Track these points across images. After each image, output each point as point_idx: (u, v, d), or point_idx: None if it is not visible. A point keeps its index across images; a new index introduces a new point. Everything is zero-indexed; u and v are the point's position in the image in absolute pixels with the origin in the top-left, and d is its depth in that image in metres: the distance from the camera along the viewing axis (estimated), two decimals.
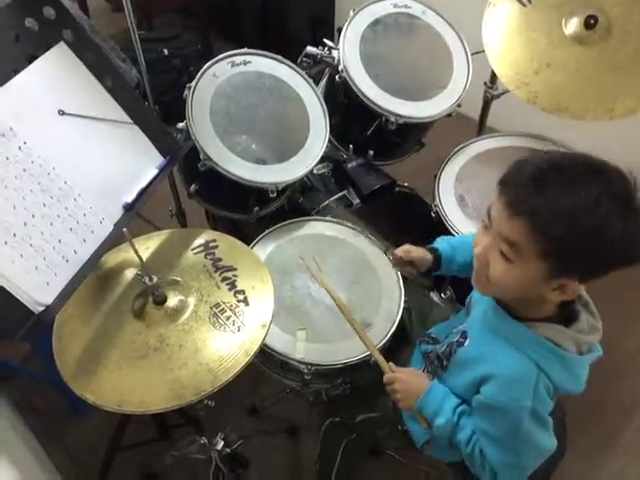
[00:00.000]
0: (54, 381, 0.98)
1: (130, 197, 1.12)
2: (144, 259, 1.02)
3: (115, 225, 1.09)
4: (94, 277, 1.09)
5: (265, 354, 1.27)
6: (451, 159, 1.65)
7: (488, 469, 0.94)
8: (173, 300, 1.03)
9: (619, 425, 1.80)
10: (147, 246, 1.13)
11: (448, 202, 1.54)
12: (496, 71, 1.58)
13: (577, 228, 0.75)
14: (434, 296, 1.59)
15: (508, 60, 1.57)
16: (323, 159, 1.75)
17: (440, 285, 1.62)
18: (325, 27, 2.85)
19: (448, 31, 1.61)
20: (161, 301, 1.02)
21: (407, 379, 1.03)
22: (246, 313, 1.01)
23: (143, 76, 1.56)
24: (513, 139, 1.69)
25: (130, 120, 1.15)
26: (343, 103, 1.58)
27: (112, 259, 1.13)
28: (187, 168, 1.55)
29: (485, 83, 1.84)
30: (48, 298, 0.95)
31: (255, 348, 0.96)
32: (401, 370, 1.06)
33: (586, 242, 0.75)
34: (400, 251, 1.17)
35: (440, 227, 1.54)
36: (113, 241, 1.09)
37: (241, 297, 1.04)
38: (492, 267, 0.85)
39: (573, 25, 1.53)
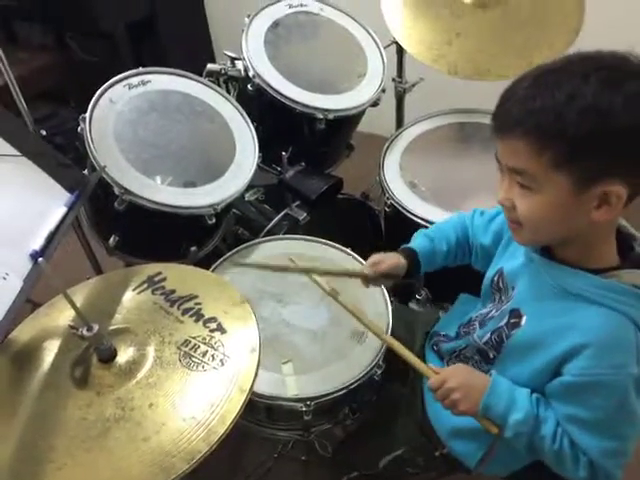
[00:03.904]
0: None
1: (37, 243, 0.87)
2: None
3: (24, 280, 0.83)
4: (7, 357, 0.81)
5: (248, 404, 1.02)
6: (387, 153, 1.54)
7: (584, 463, 0.75)
8: (125, 352, 0.78)
9: None
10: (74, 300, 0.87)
11: (400, 192, 1.41)
12: (409, 51, 1.53)
13: (570, 115, 0.63)
14: (413, 305, 1.43)
15: (417, 39, 1.53)
16: (252, 186, 1.59)
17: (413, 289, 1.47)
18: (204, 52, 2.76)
19: (350, 22, 1.55)
20: (109, 357, 0.76)
21: (462, 374, 0.83)
22: (226, 342, 0.78)
23: None
24: (440, 119, 1.62)
25: (18, 153, 0.92)
26: (261, 116, 1.43)
27: (28, 330, 0.86)
28: (101, 220, 1.30)
29: (393, 79, 1.80)
30: None
31: (250, 380, 0.73)
32: (446, 368, 0.86)
33: (589, 126, 0.63)
34: (367, 268, 1.00)
35: (397, 224, 1.41)
36: (23, 306, 0.83)
37: (213, 325, 0.81)
38: (518, 206, 0.72)
39: None
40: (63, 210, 0.94)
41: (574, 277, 0.74)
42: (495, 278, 0.92)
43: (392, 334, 1.10)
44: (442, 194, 1.39)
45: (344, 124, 1.50)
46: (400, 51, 1.68)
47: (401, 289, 1.43)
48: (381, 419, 1.11)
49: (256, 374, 0.75)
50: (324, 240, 1.29)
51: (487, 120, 1.53)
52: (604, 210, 0.68)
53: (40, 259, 0.75)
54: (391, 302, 1.16)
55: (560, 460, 0.77)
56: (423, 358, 1.07)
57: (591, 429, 0.73)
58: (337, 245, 1.28)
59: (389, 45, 1.63)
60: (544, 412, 0.77)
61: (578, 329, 0.72)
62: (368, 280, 1.01)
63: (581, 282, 0.73)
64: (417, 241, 1.05)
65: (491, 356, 0.87)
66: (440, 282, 1.38)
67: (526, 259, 0.83)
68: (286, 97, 1.35)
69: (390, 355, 1.07)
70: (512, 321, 0.82)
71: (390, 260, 1.00)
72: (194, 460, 0.65)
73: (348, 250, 1.27)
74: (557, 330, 0.75)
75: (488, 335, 0.87)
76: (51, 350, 0.82)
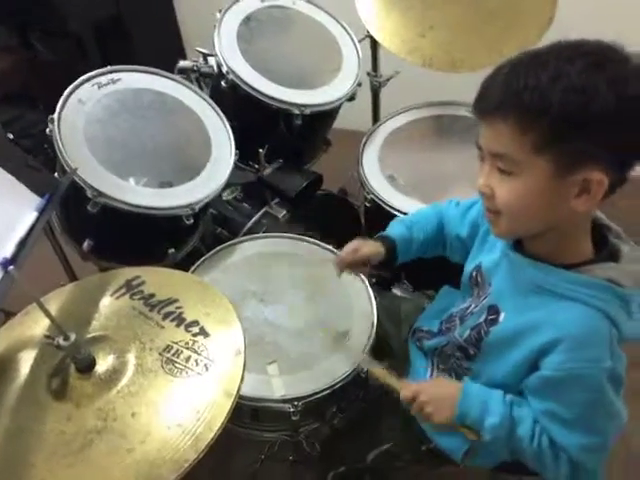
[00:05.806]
0: None
1: (7, 251, 0.83)
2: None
3: None
4: None
5: (234, 408, 1.00)
6: (364, 148, 1.53)
7: (564, 461, 0.75)
8: (105, 361, 0.75)
9: None
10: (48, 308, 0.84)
11: (380, 186, 1.41)
12: (384, 44, 1.52)
13: (553, 94, 0.62)
14: (397, 290, 1.42)
15: (391, 32, 1.52)
16: (229, 185, 1.57)
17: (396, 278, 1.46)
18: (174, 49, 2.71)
19: (324, 16, 1.53)
20: (88, 366, 0.73)
21: (431, 387, 0.83)
22: (209, 346, 0.76)
23: None
24: (417, 112, 1.62)
25: None
26: (236, 113, 1.40)
27: (1, 340, 0.82)
28: (74, 224, 1.26)
29: (368, 73, 1.78)
30: None
31: (237, 384, 0.71)
32: (417, 382, 0.86)
33: (572, 105, 0.62)
34: (346, 253, 0.99)
35: (378, 218, 1.40)
36: None
37: (196, 329, 0.78)
38: (498, 191, 0.71)
39: None
40: (34, 215, 0.90)
41: (546, 273, 0.74)
42: (474, 273, 0.92)
43: (378, 327, 1.10)
44: (421, 187, 1.39)
45: (321, 119, 1.48)
46: (374, 44, 1.67)
47: (383, 276, 1.43)
48: (368, 415, 1.11)
49: (242, 377, 0.73)
50: (305, 237, 1.28)
51: (464, 112, 1.58)
52: (584, 199, 0.67)
53: (10, 267, 0.71)
54: (375, 298, 1.15)
55: (540, 459, 0.77)
56: (407, 352, 1.07)
57: (569, 425, 0.73)
58: (318, 242, 1.27)
59: (363, 39, 1.61)
60: (519, 413, 0.77)
61: (552, 324, 0.72)
62: (346, 264, 1.00)
63: (553, 278, 0.73)
64: (395, 229, 1.05)
65: (471, 353, 0.87)
66: (421, 273, 1.37)
67: (502, 254, 0.83)
68: (261, 93, 1.33)
69: (375, 352, 1.07)
70: (490, 317, 0.82)
71: (369, 247, 1.00)
72: (182, 469, 0.62)
73: (330, 247, 1.26)
74: (533, 325, 0.75)
75: (468, 332, 0.86)
76: (26, 361, 0.79)
